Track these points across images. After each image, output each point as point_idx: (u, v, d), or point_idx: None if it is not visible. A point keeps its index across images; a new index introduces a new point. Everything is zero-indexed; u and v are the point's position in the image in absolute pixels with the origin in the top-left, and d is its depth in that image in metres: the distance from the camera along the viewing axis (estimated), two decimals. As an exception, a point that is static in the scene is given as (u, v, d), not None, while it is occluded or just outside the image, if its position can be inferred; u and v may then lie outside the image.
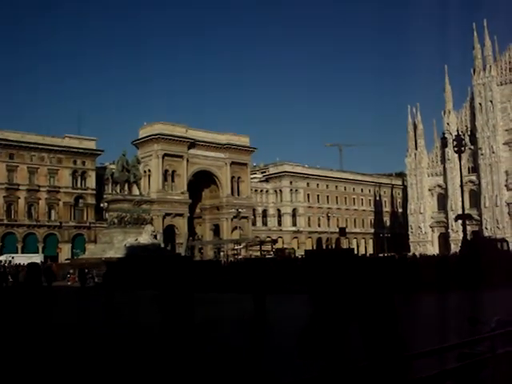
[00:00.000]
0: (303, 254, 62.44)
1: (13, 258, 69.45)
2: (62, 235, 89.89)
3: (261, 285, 24.64)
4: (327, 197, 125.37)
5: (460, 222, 57.96)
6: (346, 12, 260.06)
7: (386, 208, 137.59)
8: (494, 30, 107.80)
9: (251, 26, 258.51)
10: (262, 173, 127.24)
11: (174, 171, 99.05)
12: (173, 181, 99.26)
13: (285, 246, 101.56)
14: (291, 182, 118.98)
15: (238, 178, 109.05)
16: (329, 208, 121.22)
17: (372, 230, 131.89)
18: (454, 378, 6.03)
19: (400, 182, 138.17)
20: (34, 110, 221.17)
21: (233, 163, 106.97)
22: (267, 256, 76.28)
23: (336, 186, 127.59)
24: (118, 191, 64.22)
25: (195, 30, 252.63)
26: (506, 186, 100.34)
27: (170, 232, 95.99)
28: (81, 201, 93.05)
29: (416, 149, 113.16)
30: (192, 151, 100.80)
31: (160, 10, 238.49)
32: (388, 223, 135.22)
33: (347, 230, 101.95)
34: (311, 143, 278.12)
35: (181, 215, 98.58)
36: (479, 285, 27.87)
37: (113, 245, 56.42)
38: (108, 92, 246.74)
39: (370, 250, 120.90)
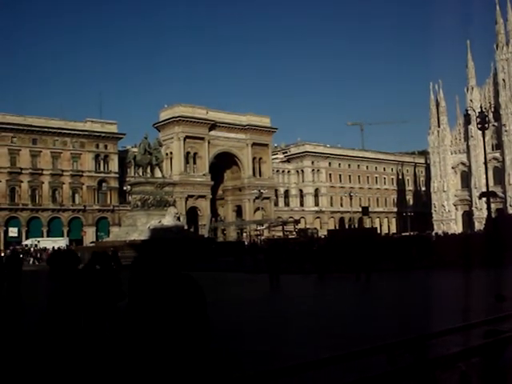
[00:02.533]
0: (326, 233, 62.47)
1: (38, 242, 70.42)
2: (87, 219, 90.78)
3: (275, 265, 25.01)
4: (349, 176, 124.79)
5: (484, 199, 57.28)
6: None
7: (409, 187, 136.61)
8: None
9: (271, 7, 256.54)
10: (284, 153, 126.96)
11: (195, 153, 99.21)
12: (194, 163, 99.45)
13: (307, 226, 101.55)
14: (313, 162, 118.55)
15: (260, 158, 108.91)
16: (351, 187, 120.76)
17: (395, 209, 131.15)
18: (481, 355, 6.02)
19: (423, 160, 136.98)
20: (56, 96, 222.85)
21: (254, 144, 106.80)
22: (290, 236, 76.42)
23: (358, 166, 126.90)
24: (141, 174, 64.29)
25: (216, 13, 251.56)
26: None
27: (192, 214, 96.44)
28: (104, 184, 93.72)
29: (439, 126, 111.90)
30: (213, 133, 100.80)
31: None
32: (411, 202, 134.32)
33: (370, 210, 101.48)
34: (332, 122, 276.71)
35: (203, 197, 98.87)
36: (503, 262, 27.68)
37: (136, 227, 56.67)
38: (128, 75, 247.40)
39: (393, 229, 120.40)
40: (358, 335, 10.97)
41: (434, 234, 72.37)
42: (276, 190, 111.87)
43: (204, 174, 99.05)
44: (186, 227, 69.56)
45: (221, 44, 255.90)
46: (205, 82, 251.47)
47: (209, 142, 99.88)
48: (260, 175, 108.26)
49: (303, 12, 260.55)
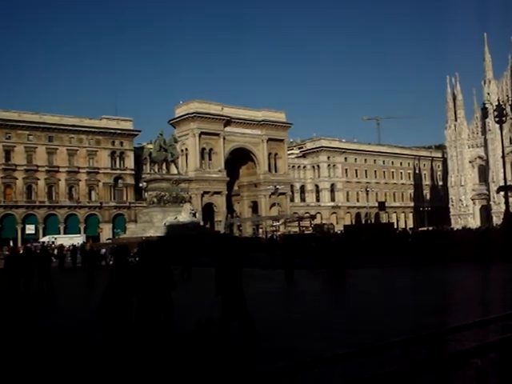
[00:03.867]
0: (342, 229, 62.28)
1: (55, 239, 70.89)
2: (103, 215, 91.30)
3: (291, 261, 25.05)
4: (365, 171, 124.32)
5: (502, 193, 56.87)
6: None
7: (426, 181, 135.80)
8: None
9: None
10: (299, 148, 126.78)
11: (210, 149, 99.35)
12: (210, 159, 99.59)
13: (323, 222, 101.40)
14: (329, 157, 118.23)
15: (275, 154, 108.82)
16: (367, 182, 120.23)
17: (412, 204, 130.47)
18: (498, 351, 5.95)
19: (440, 155, 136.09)
20: (71, 94, 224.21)
21: (269, 140, 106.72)
22: (306, 232, 76.28)
23: (374, 160, 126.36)
24: (156, 170, 64.63)
25: (230, 8, 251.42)
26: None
27: (208, 210, 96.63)
28: (120, 181, 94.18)
29: (456, 120, 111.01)
30: (228, 129, 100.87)
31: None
32: (428, 196, 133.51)
33: (386, 205, 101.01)
34: (348, 117, 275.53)
35: (219, 193, 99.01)
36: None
37: (153, 224, 56.96)
38: (144, 73, 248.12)
39: (410, 224, 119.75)
40: (374, 331, 10.91)
41: (450, 228, 71.91)
42: (292, 186, 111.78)
43: (219, 170, 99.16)
44: (201, 223, 69.84)
45: (235, 40, 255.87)
46: (220, 78, 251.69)
47: (224, 138, 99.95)
48: (276, 171, 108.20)
49: (320, 5, 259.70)
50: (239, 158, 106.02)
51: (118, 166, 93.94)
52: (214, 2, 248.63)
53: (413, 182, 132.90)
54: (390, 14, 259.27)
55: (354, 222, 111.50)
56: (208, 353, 8.71)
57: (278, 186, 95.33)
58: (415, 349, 4.65)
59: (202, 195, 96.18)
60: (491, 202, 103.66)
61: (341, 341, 10.10)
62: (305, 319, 13.45)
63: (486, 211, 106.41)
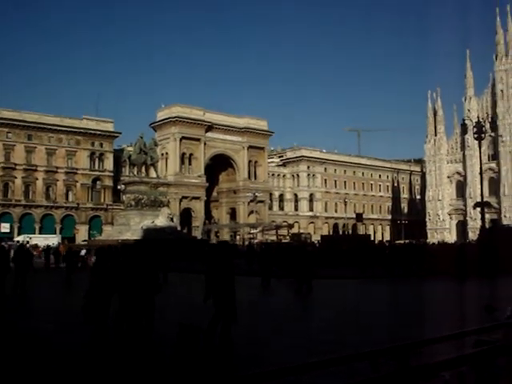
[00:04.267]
0: (319, 239, 62.39)
1: (30, 238, 70.00)
2: (79, 217, 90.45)
3: (268, 269, 25.02)
4: (345, 182, 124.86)
5: (478, 209, 57.38)
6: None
7: (404, 194, 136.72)
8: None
9: (272, 11, 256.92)
10: (280, 157, 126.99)
11: (191, 154, 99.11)
12: (190, 164, 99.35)
13: (301, 231, 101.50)
14: (309, 167, 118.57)
15: (256, 161, 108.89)
16: (346, 193, 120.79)
17: (389, 217, 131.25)
18: (471, 364, 5.89)
19: (418, 169, 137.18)
20: (52, 92, 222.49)
21: (250, 147, 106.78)
22: (283, 241, 76.30)
23: (354, 172, 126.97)
24: (136, 173, 64.22)
25: (215, 14, 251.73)
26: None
27: (186, 215, 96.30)
28: (98, 182, 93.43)
29: (435, 135, 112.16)
30: (209, 134, 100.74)
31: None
32: (406, 210, 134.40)
33: (364, 216, 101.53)
34: (329, 128, 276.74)
35: (197, 198, 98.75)
36: (496, 273, 27.64)
37: (129, 227, 56.54)
38: (127, 75, 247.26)
39: (387, 237, 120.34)
40: (345, 341, 10.83)
41: (427, 242, 72.33)
42: (271, 194, 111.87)
43: (199, 176, 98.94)
44: (179, 228, 69.47)
45: (220, 46, 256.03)
46: (203, 84, 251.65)
47: (205, 144, 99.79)
48: (255, 178, 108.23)
49: (303, 17, 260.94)
50: (219, 164, 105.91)
51: (96, 167, 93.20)
52: (198, 5, 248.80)
53: (391, 195, 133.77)
54: (374, 28, 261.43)
55: (331, 233, 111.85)
56: (192, 357, 8.61)
57: (257, 194, 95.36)
58: (384, 360, 4.57)
59: (181, 200, 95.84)
60: (468, 218, 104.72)
61: (310, 350, 10.02)
62: (276, 328, 13.34)
63: (462, 226, 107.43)
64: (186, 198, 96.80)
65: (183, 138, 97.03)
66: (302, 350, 10.16)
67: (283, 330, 12.88)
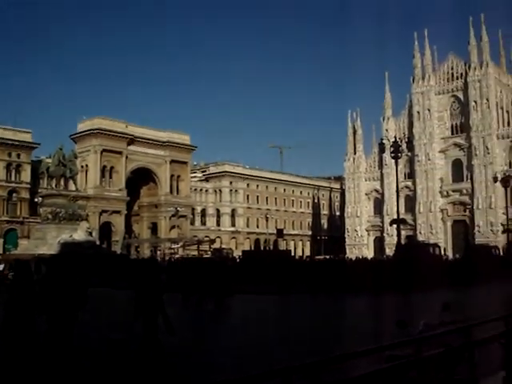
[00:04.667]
0: (241, 254, 62.54)
1: None
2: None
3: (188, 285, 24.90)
4: (266, 198, 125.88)
5: (395, 226, 59.07)
6: (288, 14, 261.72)
7: (324, 211, 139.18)
8: (434, 39, 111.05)
9: (194, 18, 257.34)
10: (202, 172, 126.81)
11: (112, 167, 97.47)
12: (111, 177, 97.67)
13: (223, 246, 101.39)
14: (231, 182, 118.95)
15: (178, 176, 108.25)
16: (268, 209, 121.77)
17: (310, 232, 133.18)
18: (383, 379, 6.07)
19: (338, 186, 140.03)
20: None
21: (173, 161, 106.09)
22: (204, 256, 76.01)
23: (275, 188, 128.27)
24: (54, 186, 62.73)
25: (136, 24, 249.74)
26: (440, 192, 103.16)
27: (106, 229, 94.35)
28: (14, 195, 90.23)
29: (355, 153, 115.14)
30: (131, 148, 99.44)
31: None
32: (325, 226, 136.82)
33: (285, 232, 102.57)
34: (253, 144, 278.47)
35: (118, 212, 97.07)
36: (412, 288, 28.48)
37: (46, 241, 55.00)
38: (49, 85, 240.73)
39: (307, 252, 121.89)
40: (258, 358, 10.91)
41: (345, 257, 73.74)
42: (193, 209, 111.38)
43: (120, 189, 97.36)
44: (98, 243, 68.08)
45: (144, 59, 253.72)
46: (126, 97, 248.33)
47: (127, 157, 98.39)
48: (177, 193, 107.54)
49: (225, 32, 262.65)
50: (141, 178, 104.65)
51: (13, 178, 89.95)
52: (121, 19, 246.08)
53: (311, 211, 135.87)
54: (296, 47, 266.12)
55: (253, 248, 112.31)
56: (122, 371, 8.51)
57: (178, 209, 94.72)
58: (298, 378, 4.65)
59: (100, 214, 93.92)
60: (385, 234, 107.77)
61: (224, 368, 10.04)
62: (190, 345, 13.28)
63: (379, 242, 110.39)
64: (105, 211, 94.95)
65: (104, 150, 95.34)
66: (217, 368, 10.15)
67: (199, 347, 12.84)
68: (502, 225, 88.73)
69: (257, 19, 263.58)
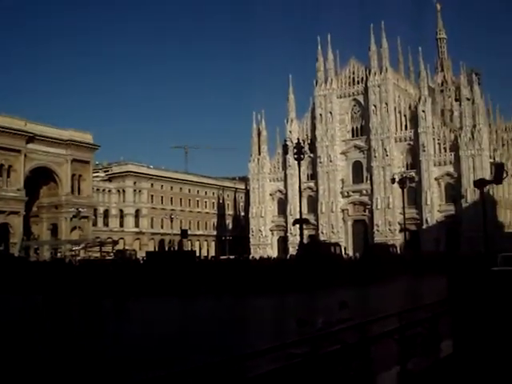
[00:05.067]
0: (145, 255, 61.72)
1: None
2: None
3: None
4: (171, 198, 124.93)
5: (297, 226, 60.14)
6: (192, 16, 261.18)
7: (229, 211, 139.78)
8: (337, 44, 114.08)
9: (99, 17, 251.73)
10: (105, 172, 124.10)
11: (10, 166, 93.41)
12: (8, 176, 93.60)
13: (126, 248, 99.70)
14: (135, 183, 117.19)
15: (80, 176, 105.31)
16: (172, 210, 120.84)
17: (214, 233, 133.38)
18: (282, 377, 6.17)
19: (243, 186, 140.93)
20: None
21: (74, 160, 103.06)
22: (107, 258, 74.49)
23: (180, 188, 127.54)
24: None
25: (47, 21, 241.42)
26: (341, 193, 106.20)
27: (3, 231, 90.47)
28: None
29: (259, 154, 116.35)
30: (31, 146, 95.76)
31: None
32: (230, 226, 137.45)
33: (190, 232, 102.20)
34: (158, 144, 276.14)
35: (16, 213, 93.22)
36: (314, 286, 29.07)
37: None
38: None
39: (212, 252, 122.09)
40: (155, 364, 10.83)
41: (250, 257, 74.30)
42: (95, 210, 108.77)
43: (18, 189, 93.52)
44: (-6, 245, 65.24)
45: (49, 57, 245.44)
46: (25, 92, 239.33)
47: (25, 156, 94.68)
48: (79, 193, 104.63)
49: (129, 31, 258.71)
50: (41, 178, 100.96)
51: None
52: (28, 16, 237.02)
53: (216, 212, 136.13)
54: (203, 46, 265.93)
55: (157, 249, 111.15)
56: None
57: (80, 209, 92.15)
58: (198, 378, 4.66)
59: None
60: (288, 234, 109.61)
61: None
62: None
63: (283, 242, 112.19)
64: (2, 212, 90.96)
65: (1, 148, 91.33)
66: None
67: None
68: (400, 224, 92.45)
69: (159, 17, 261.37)
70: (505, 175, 31.56)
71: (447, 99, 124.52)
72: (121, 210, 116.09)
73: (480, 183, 29.59)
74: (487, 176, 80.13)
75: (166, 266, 32.94)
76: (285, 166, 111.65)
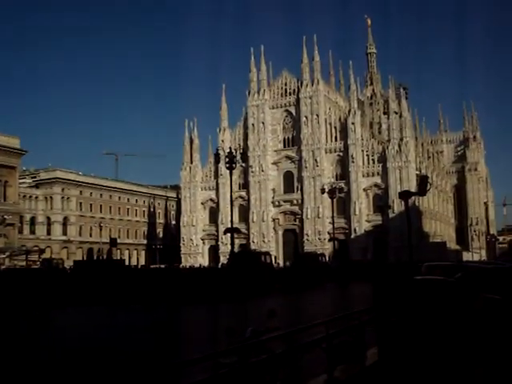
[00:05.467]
0: (73, 264, 60.41)
1: None
2: None
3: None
4: (101, 206, 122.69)
5: (229, 235, 60.27)
6: (130, 23, 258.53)
7: (160, 220, 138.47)
8: (270, 56, 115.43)
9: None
10: (32, 178, 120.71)
11: None
12: None
13: (53, 257, 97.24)
14: (63, 189, 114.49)
15: (5, 182, 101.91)
16: (102, 218, 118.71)
17: (145, 242, 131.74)
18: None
19: (174, 195, 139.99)
20: None
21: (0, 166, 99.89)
22: (33, 266, 72.48)
23: (110, 196, 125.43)
24: None
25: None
26: (272, 202, 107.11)
27: None
28: None
29: (191, 163, 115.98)
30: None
31: None
32: (161, 235, 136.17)
33: (120, 241, 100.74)
34: (87, 150, 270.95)
35: None
36: (246, 296, 29.12)
37: None
38: None
39: (143, 262, 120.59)
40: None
41: (181, 266, 73.94)
42: (21, 217, 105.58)
43: None
44: None
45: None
46: None
47: None
48: (4, 199, 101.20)
49: (58, 33, 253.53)
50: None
51: None
52: None
53: (147, 220, 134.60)
54: (136, 55, 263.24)
55: (85, 258, 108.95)
56: None
57: (5, 216, 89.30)
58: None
59: None
60: (219, 243, 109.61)
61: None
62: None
63: (214, 251, 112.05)
64: None
65: None
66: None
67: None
68: (329, 233, 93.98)
69: (88, 20, 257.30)
70: (429, 187, 32.58)
71: (376, 112, 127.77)
72: (48, 218, 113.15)
73: (404, 195, 30.41)
74: (413, 187, 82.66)
75: (94, 275, 32.39)
76: (217, 175, 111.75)
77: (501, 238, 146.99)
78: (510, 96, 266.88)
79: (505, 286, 16.42)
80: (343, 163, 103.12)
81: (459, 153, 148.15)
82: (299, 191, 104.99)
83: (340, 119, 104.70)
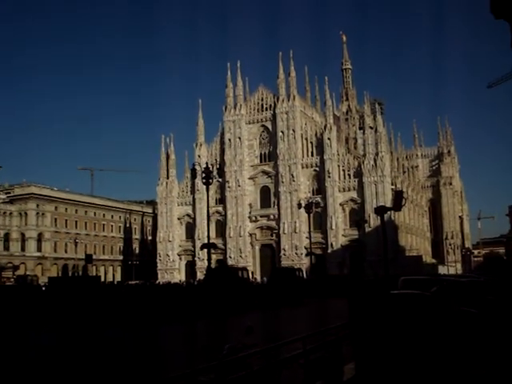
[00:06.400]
0: (47, 281, 59.71)
1: None
2: None
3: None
4: (76, 222, 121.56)
5: (205, 250, 60.10)
6: (105, 40, 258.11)
7: (136, 235, 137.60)
8: (247, 71, 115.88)
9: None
10: (6, 193, 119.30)
11: None
12: None
13: (28, 273, 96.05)
14: (38, 205, 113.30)
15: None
16: (77, 234, 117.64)
17: (121, 257, 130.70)
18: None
19: (151, 210, 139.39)
20: None
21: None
22: (7, 283, 71.61)
23: (85, 211, 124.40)
24: None
25: None
26: (249, 217, 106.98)
27: None
28: None
29: (168, 178, 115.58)
30: None
31: None
32: (137, 250, 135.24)
33: (96, 257, 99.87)
34: (62, 166, 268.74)
35: None
36: (223, 312, 28.98)
37: None
38: None
39: (118, 278, 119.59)
40: None
41: (157, 282, 73.37)
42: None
43: None
44: None
45: None
46: None
47: None
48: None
49: (28, 43, 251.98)
50: None
51: None
52: None
53: (123, 236, 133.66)
54: (113, 72, 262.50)
55: (60, 274, 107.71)
56: None
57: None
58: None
59: None
60: (196, 258, 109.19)
61: None
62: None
63: (191, 266, 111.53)
64: None
65: None
66: None
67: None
68: (306, 248, 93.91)
69: (64, 33, 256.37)
70: (404, 202, 32.83)
71: (351, 127, 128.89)
72: (22, 234, 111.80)
73: (380, 210, 30.59)
74: (389, 201, 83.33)
75: (69, 292, 32.01)
76: (193, 190, 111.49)
77: (476, 252, 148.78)
78: (483, 111, 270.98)
79: (480, 299, 16.61)
80: (319, 178, 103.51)
81: (434, 167, 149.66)
82: (276, 206, 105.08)
83: (316, 134, 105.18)
